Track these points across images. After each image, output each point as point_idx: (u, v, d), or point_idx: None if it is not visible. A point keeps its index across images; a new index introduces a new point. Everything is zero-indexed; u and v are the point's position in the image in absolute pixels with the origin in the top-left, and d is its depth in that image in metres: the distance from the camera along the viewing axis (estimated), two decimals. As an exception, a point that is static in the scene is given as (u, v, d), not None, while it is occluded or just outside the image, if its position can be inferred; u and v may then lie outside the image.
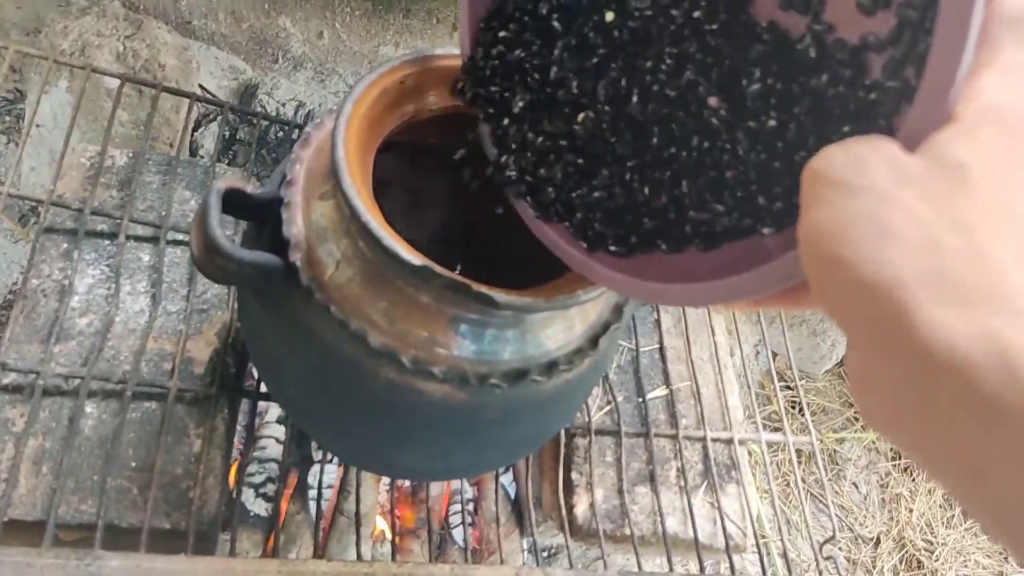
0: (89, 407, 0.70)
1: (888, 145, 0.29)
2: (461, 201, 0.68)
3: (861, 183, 0.27)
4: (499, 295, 0.48)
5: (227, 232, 0.57)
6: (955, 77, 0.28)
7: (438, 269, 0.47)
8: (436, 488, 1.10)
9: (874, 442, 1.68)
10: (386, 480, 1.00)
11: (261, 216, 0.56)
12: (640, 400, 0.91)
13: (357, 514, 0.74)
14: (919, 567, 1.56)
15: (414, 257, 0.47)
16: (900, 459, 1.68)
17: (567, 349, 0.57)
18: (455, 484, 1.06)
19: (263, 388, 0.76)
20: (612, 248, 0.43)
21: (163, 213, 0.83)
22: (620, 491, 0.84)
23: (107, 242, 0.80)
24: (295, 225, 0.53)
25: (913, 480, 1.66)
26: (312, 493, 0.96)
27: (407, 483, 1.09)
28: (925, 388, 0.25)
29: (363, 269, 0.52)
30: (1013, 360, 0.23)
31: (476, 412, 0.55)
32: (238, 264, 0.51)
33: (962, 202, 0.26)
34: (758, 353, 1.67)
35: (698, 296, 0.36)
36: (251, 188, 0.55)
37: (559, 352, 0.56)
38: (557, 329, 0.57)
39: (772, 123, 0.36)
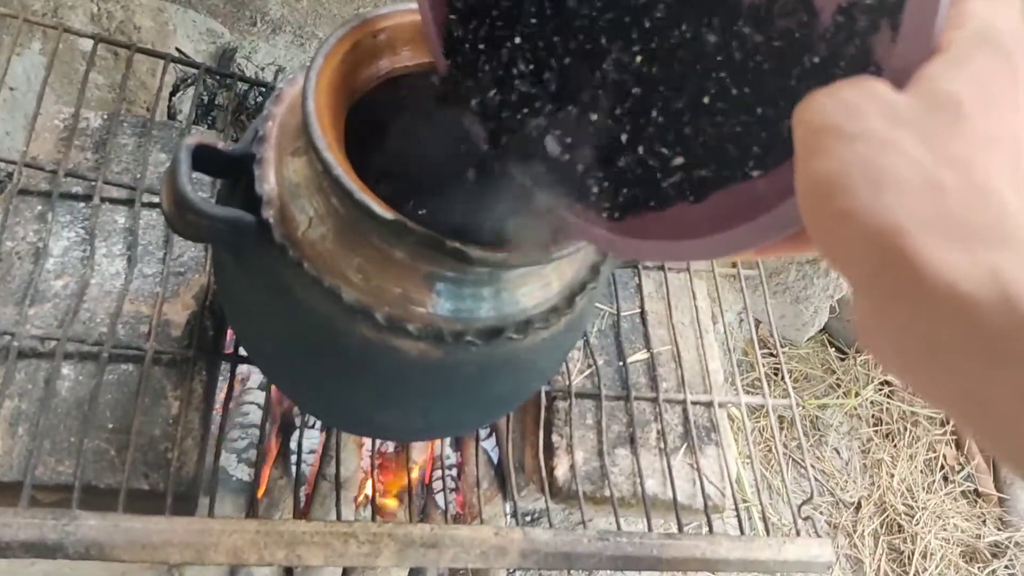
0: (65, 369, 0.70)
1: (877, 85, 0.28)
2: (444, 164, 0.68)
3: (854, 129, 0.27)
4: (472, 250, 0.47)
5: (203, 195, 0.56)
6: (939, 5, 0.28)
7: (410, 224, 0.47)
8: (419, 454, 1.10)
9: (855, 408, 1.70)
10: (368, 445, 1.00)
11: (233, 173, 0.56)
12: (621, 364, 0.91)
13: (337, 477, 0.75)
14: (899, 531, 1.58)
15: (386, 212, 0.47)
16: (881, 425, 1.70)
17: (543, 307, 0.57)
18: (438, 449, 1.06)
19: (242, 351, 0.76)
20: (607, 214, 0.42)
21: (138, 176, 0.82)
22: (600, 453, 0.84)
23: (82, 204, 0.79)
24: (267, 182, 0.52)
25: (894, 446, 1.68)
26: (295, 458, 0.96)
27: (390, 448, 1.09)
28: (931, 329, 0.25)
29: (336, 226, 0.52)
30: (1013, 296, 0.23)
31: (452, 370, 0.55)
32: (209, 220, 0.50)
33: (958, 138, 0.26)
34: (741, 320, 1.67)
35: (704, 250, 0.36)
36: (222, 144, 0.54)
37: (535, 310, 0.56)
38: (533, 287, 0.56)
39: (756, 61, 0.35)
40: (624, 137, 0.40)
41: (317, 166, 0.50)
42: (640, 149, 0.40)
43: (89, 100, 1.09)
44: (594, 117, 0.42)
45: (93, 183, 0.80)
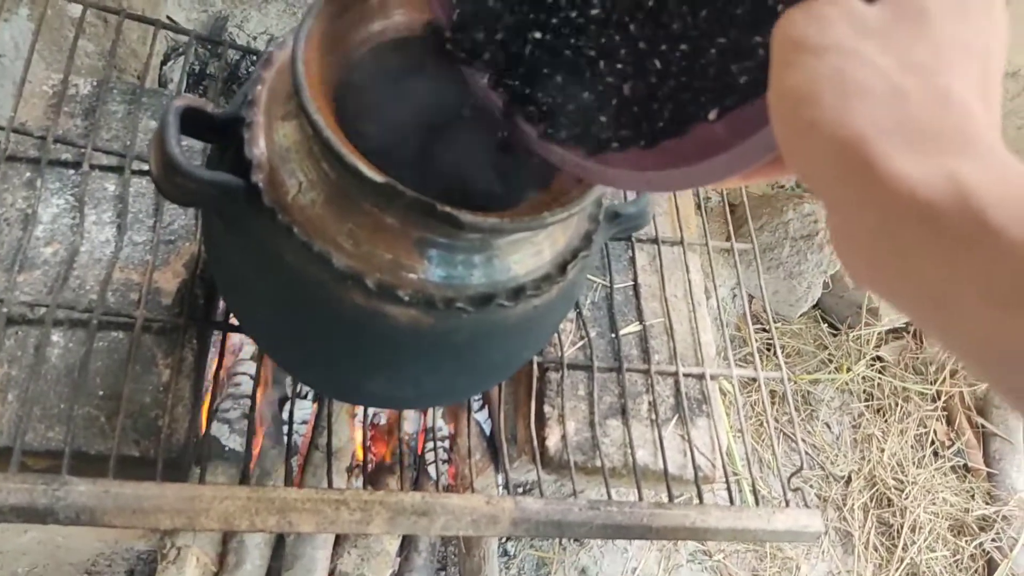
0: (55, 336, 0.69)
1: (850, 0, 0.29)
2: (438, 129, 0.67)
3: (824, 42, 0.28)
4: (464, 215, 0.47)
5: (196, 162, 0.56)
6: None
7: (401, 187, 0.47)
8: (412, 425, 1.11)
9: (847, 384, 1.71)
10: (361, 415, 1.01)
11: (223, 137, 0.55)
12: (613, 336, 0.91)
13: (328, 445, 0.75)
14: (889, 504, 1.59)
15: (376, 175, 0.46)
16: (872, 400, 1.71)
17: (535, 275, 0.56)
18: (430, 421, 1.06)
19: (233, 320, 0.76)
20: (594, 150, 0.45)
21: (128, 143, 0.81)
22: (592, 424, 0.84)
23: (71, 171, 0.78)
24: (257, 146, 0.52)
25: (885, 421, 1.69)
26: (287, 428, 0.96)
27: (382, 419, 1.10)
28: (895, 235, 0.26)
29: (327, 190, 0.51)
30: (970, 198, 0.23)
31: (443, 337, 0.55)
32: (197, 183, 0.50)
33: (923, 45, 0.27)
34: (735, 296, 1.67)
35: (694, 178, 0.37)
36: (211, 107, 0.53)
37: (527, 278, 0.56)
38: (525, 254, 0.56)
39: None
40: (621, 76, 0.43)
41: (307, 129, 0.49)
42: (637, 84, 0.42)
43: (79, 67, 1.08)
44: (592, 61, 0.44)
45: (83, 150, 0.79)
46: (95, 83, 0.85)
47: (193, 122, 0.53)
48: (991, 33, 0.29)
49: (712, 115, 0.38)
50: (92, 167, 0.79)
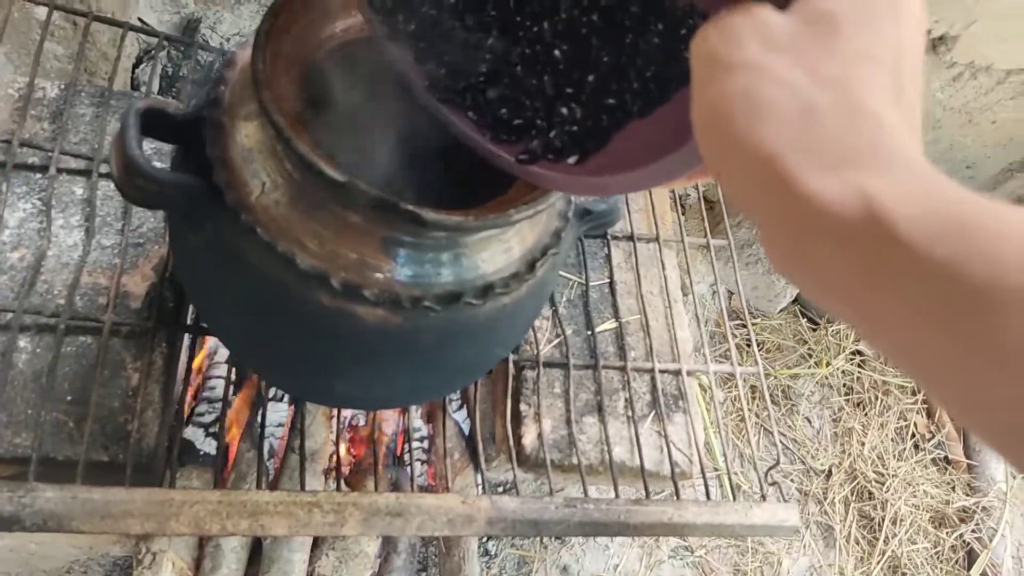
0: (22, 341, 0.69)
1: (759, 11, 0.29)
2: (409, 129, 0.67)
3: (735, 58, 0.28)
4: (427, 213, 0.47)
5: (161, 165, 0.55)
6: None
7: (364, 186, 0.46)
8: (390, 426, 1.10)
9: (827, 378, 1.72)
10: (338, 418, 1.00)
11: (185, 138, 0.55)
12: (589, 333, 0.91)
13: (302, 448, 0.74)
14: (870, 497, 1.60)
15: (338, 174, 0.46)
16: (852, 394, 1.72)
17: (504, 273, 0.56)
18: (409, 421, 1.06)
19: (204, 323, 0.75)
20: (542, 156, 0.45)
21: (96, 146, 0.80)
22: (568, 421, 0.84)
23: (38, 175, 0.78)
24: (219, 146, 0.52)
25: (866, 415, 1.70)
26: (265, 431, 0.96)
27: (361, 421, 1.09)
28: (810, 250, 0.26)
29: (290, 191, 0.51)
30: (879, 215, 0.24)
31: (411, 336, 0.55)
32: (159, 185, 0.49)
33: (832, 57, 0.27)
34: (714, 292, 1.68)
35: (638, 181, 0.38)
36: (173, 108, 0.53)
37: (495, 276, 0.56)
38: (493, 252, 0.56)
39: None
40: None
41: (269, 129, 0.49)
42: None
43: (48, 71, 1.06)
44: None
45: (49, 153, 0.78)
46: (62, 86, 0.84)
47: (155, 123, 0.52)
48: (900, 33, 0.28)
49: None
50: (59, 171, 0.78)
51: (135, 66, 1.22)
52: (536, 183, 0.47)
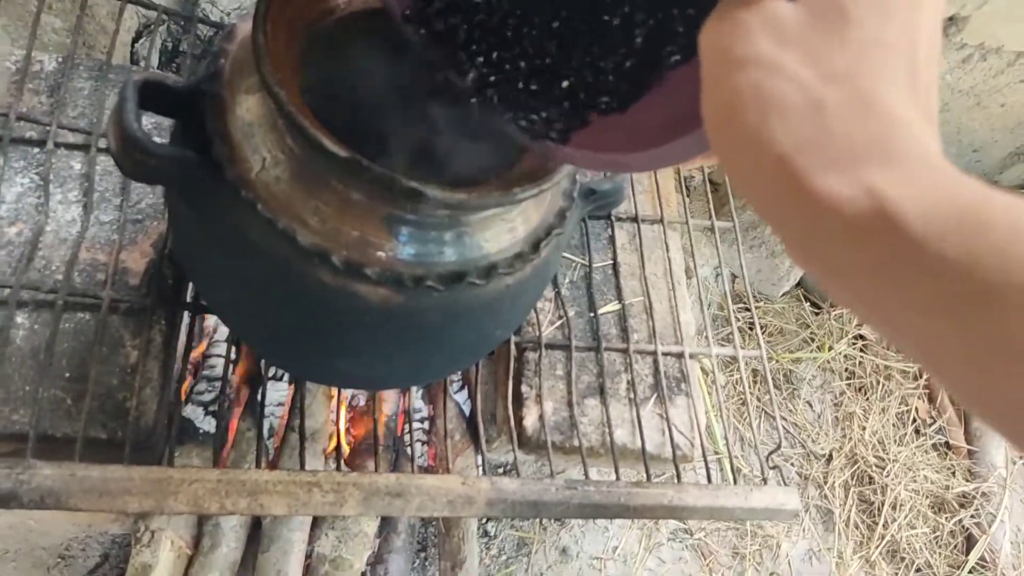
0: (20, 317, 0.68)
1: (767, 1, 0.28)
2: (413, 104, 0.66)
3: (744, 53, 0.27)
4: (430, 190, 0.46)
5: (161, 140, 0.54)
6: None
7: (366, 162, 0.46)
8: (391, 406, 1.10)
9: (829, 362, 1.71)
10: (338, 397, 1.00)
11: (185, 112, 0.54)
12: (592, 315, 0.90)
13: (302, 427, 0.74)
14: (870, 482, 1.60)
15: (341, 149, 0.45)
16: (854, 379, 1.71)
17: (507, 253, 0.55)
18: (410, 402, 1.05)
19: (203, 300, 0.74)
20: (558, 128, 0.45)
21: (94, 120, 0.79)
22: (570, 403, 0.84)
23: (36, 150, 0.77)
24: (219, 120, 0.51)
25: (867, 399, 1.69)
26: (264, 410, 0.95)
27: (361, 401, 1.09)
28: (822, 248, 0.26)
29: (292, 166, 0.50)
30: (890, 213, 0.23)
31: (414, 316, 0.54)
32: (158, 160, 0.48)
33: (842, 49, 0.27)
34: (717, 275, 1.67)
35: (659, 159, 0.38)
36: (172, 81, 0.52)
37: (499, 256, 0.55)
38: (497, 231, 0.55)
39: None
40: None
41: (270, 103, 0.48)
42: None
43: (46, 44, 1.05)
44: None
45: (47, 127, 0.77)
46: (60, 59, 0.83)
47: (154, 97, 0.51)
48: (917, 19, 0.28)
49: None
50: (57, 145, 0.77)
51: (134, 40, 1.21)
52: (554, 159, 0.47)
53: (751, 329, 1.63)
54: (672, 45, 0.39)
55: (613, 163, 0.42)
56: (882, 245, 0.24)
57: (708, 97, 0.29)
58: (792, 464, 1.59)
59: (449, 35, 0.47)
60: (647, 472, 0.81)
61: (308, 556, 0.94)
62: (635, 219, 0.98)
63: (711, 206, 1.05)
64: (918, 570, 1.53)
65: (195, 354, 0.98)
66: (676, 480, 0.80)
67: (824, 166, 0.25)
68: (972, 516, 1.59)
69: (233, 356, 0.76)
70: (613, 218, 0.97)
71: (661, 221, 0.99)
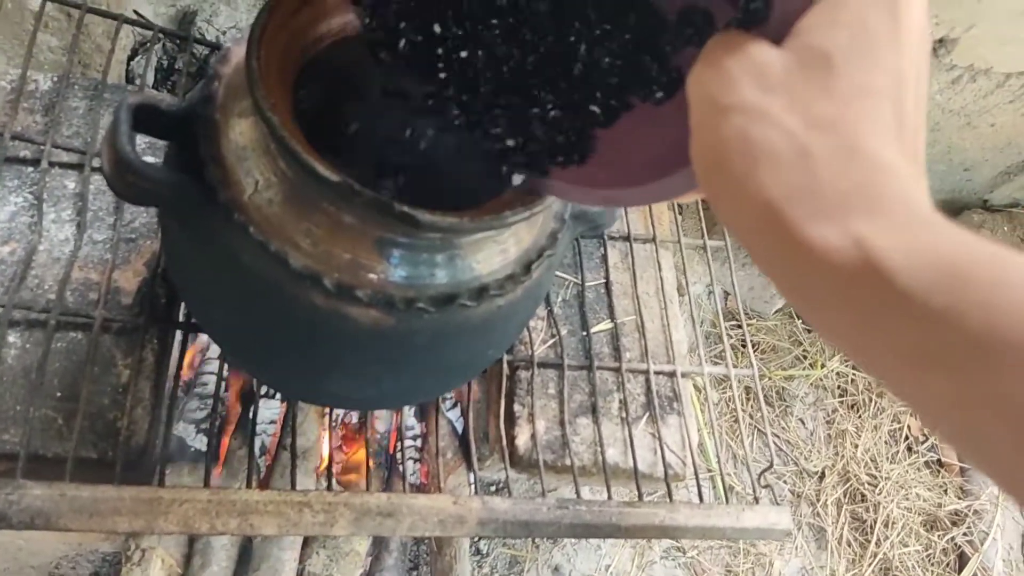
0: (12, 336, 0.68)
1: (752, 48, 0.28)
2: (404, 133, 0.66)
3: (730, 101, 0.28)
4: (422, 214, 0.46)
5: (155, 160, 0.55)
6: None
7: (358, 187, 0.46)
8: (383, 424, 1.10)
9: (821, 380, 1.71)
10: (331, 416, 0.99)
11: (179, 135, 0.54)
12: (584, 334, 0.91)
13: (293, 446, 0.74)
14: (862, 500, 1.60)
15: (332, 174, 0.45)
16: (846, 396, 1.72)
17: (499, 275, 0.56)
18: (402, 420, 1.05)
19: (195, 320, 0.74)
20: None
21: (89, 140, 0.80)
22: (562, 422, 0.84)
23: (30, 169, 0.77)
24: (212, 143, 0.51)
25: (859, 417, 1.70)
26: (256, 429, 0.95)
27: (353, 419, 1.09)
28: (810, 296, 0.26)
29: (284, 190, 0.50)
30: (877, 265, 0.24)
31: (405, 337, 0.54)
32: (151, 182, 0.49)
33: (827, 97, 0.27)
34: (710, 293, 1.68)
35: (647, 195, 0.39)
36: (166, 104, 0.52)
37: (490, 277, 0.55)
38: (489, 254, 0.55)
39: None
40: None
41: (262, 127, 0.48)
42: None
43: (42, 63, 1.06)
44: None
45: (41, 147, 0.77)
46: (55, 78, 0.83)
47: (148, 119, 0.52)
48: (902, 63, 0.28)
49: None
50: (51, 164, 0.77)
51: (130, 59, 1.21)
52: (547, 193, 0.47)
53: (743, 347, 1.64)
54: (648, 86, 0.40)
55: (608, 198, 0.43)
56: (870, 296, 0.24)
57: (696, 143, 0.29)
58: (785, 482, 1.59)
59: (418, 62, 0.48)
60: (639, 491, 0.81)
61: (299, 575, 0.94)
62: (627, 238, 0.99)
63: (703, 225, 1.06)
64: (911, 588, 1.53)
65: (186, 372, 0.98)
66: (668, 499, 0.80)
67: (812, 215, 0.25)
68: (964, 534, 1.59)
69: (225, 374, 0.76)
70: (606, 237, 0.98)
71: (653, 240, 1.00)
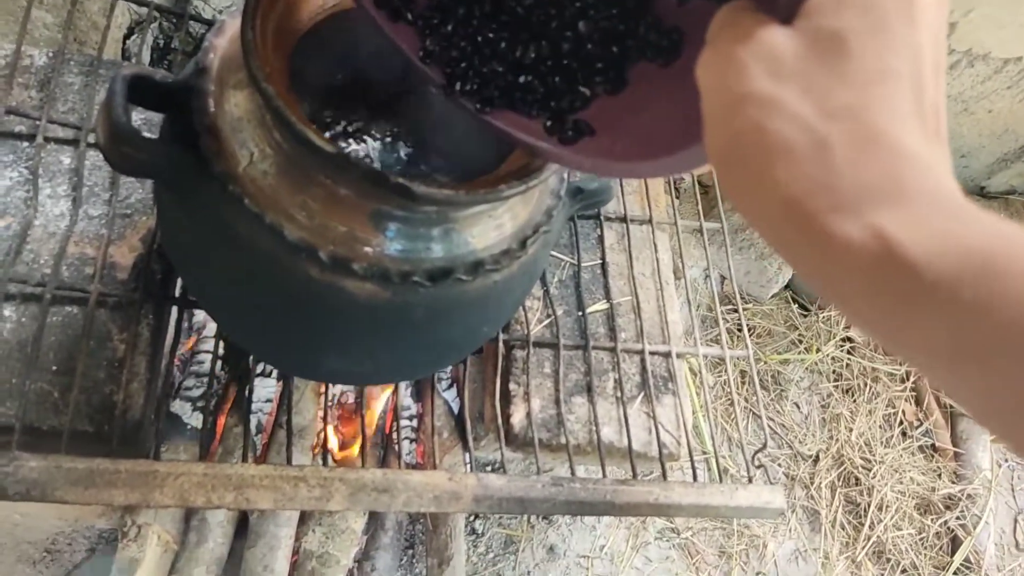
0: (7, 310, 0.68)
1: (762, 32, 0.27)
2: (399, 105, 0.66)
3: (741, 91, 0.27)
4: (417, 186, 0.46)
5: (150, 136, 0.55)
6: None
7: (353, 158, 0.46)
8: (379, 404, 1.10)
9: (816, 364, 1.72)
10: (326, 394, 1.00)
11: (174, 107, 0.54)
12: (580, 314, 0.91)
13: (288, 423, 0.74)
14: (856, 483, 1.61)
15: (328, 145, 0.45)
16: (841, 380, 1.72)
17: (495, 250, 0.56)
18: (398, 400, 1.06)
19: (191, 295, 0.74)
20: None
21: (84, 115, 0.79)
22: (557, 401, 0.84)
23: (25, 144, 0.77)
24: (207, 115, 0.51)
25: (854, 401, 1.70)
26: (251, 407, 0.95)
27: (350, 399, 1.09)
28: (833, 286, 0.26)
29: (280, 162, 0.50)
30: (900, 258, 0.23)
31: (400, 311, 0.54)
32: (147, 153, 0.49)
33: (842, 83, 0.26)
34: (706, 276, 1.68)
35: (660, 168, 0.39)
36: (160, 76, 0.52)
37: (486, 252, 0.55)
38: (485, 228, 0.56)
39: None
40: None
41: (257, 98, 0.48)
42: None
43: (37, 39, 1.05)
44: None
45: (37, 122, 0.77)
46: (51, 54, 0.83)
47: (143, 91, 0.52)
48: (917, 36, 0.27)
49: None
50: (47, 139, 0.77)
51: (126, 37, 1.21)
52: (561, 164, 0.47)
53: (739, 330, 1.64)
54: (643, 50, 0.41)
55: (622, 170, 0.43)
56: (896, 289, 0.23)
57: (709, 136, 0.28)
58: (779, 465, 1.59)
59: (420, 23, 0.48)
60: (633, 470, 0.82)
61: (295, 552, 0.94)
62: (624, 219, 0.99)
63: (700, 208, 1.05)
64: (903, 571, 1.54)
65: (182, 349, 0.98)
66: (662, 478, 0.81)
67: (832, 209, 0.25)
68: (957, 518, 1.60)
69: (221, 352, 0.76)
70: (602, 218, 0.98)
71: (650, 222, 1.00)
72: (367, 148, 0.60)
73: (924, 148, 0.26)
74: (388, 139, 0.62)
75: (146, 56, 1.21)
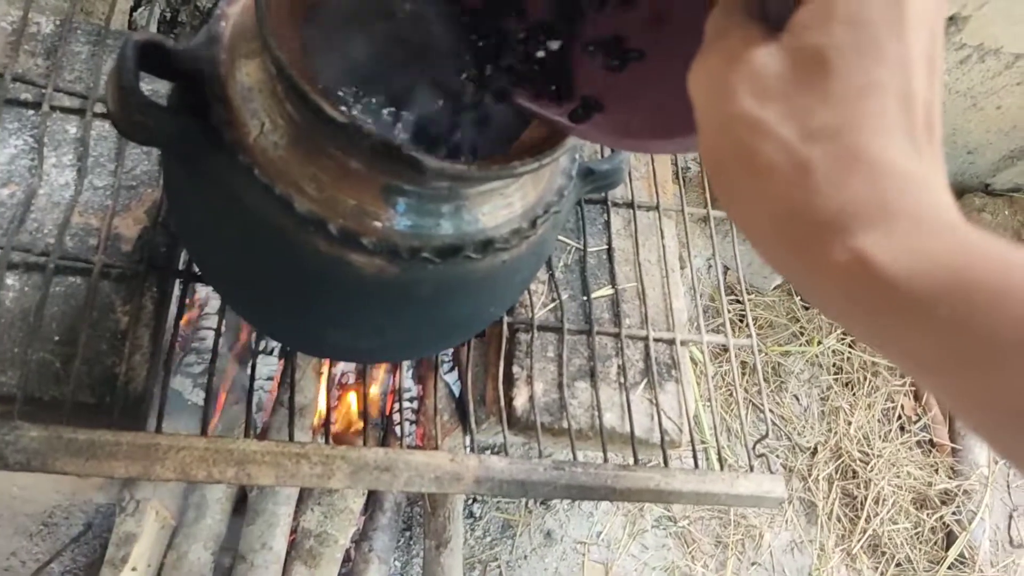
0: (10, 279, 0.67)
1: (747, 51, 0.27)
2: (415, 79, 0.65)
3: (727, 111, 0.27)
4: (429, 159, 0.46)
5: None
6: None
7: (365, 128, 0.45)
8: (381, 385, 1.10)
9: (817, 356, 1.72)
10: (328, 373, 0.99)
11: (185, 76, 0.53)
12: (585, 299, 0.90)
13: (291, 400, 0.73)
14: (854, 476, 1.61)
15: (340, 115, 0.45)
16: (841, 374, 1.72)
17: (504, 229, 0.55)
18: (399, 381, 1.05)
19: (196, 269, 0.74)
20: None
21: (91, 84, 0.79)
22: (560, 385, 0.84)
23: (31, 112, 0.76)
24: (217, 84, 0.50)
25: (853, 395, 1.70)
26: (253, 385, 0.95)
27: (351, 379, 1.09)
28: (818, 297, 0.27)
29: (291, 133, 0.50)
30: (880, 279, 0.24)
31: (408, 288, 0.54)
32: (156, 120, 0.48)
33: (825, 103, 0.26)
34: (710, 266, 1.68)
35: (674, 147, 0.40)
36: (172, 44, 0.51)
37: (496, 231, 0.55)
38: (495, 206, 0.55)
39: None
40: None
41: (270, 67, 0.47)
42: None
43: (43, 7, 1.04)
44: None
45: (43, 90, 0.76)
46: (58, 22, 0.82)
47: (154, 58, 0.51)
48: (907, 47, 0.26)
49: None
50: (53, 108, 0.76)
51: (133, 9, 1.19)
52: (583, 139, 0.48)
53: (742, 321, 1.64)
54: None
55: (638, 146, 0.44)
56: (876, 307, 0.24)
57: (703, 150, 0.29)
58: (777, 456, 1.59)
59: None
60: (635, 456, 0.82)
61: (293, 531, 0.94)
62: (631, 205, 0.98)
63: (707, 196, 1.05)
64: (898, 564, 1.54)
65: (185, 326, 0.98)
66: (663, 465, 0.80)
67: (813, 231, 0.25)
68: (953, 513, 1.60)
69: (223, 329, 0.76)
70: (609, 203, 0.97)
71: (657, 208, 0.99)
72: (381, 124, 0.59)
73: (910, 162, 0.26)
74: (405, 116, 0.61)
75: (153, 28, 1.20)
